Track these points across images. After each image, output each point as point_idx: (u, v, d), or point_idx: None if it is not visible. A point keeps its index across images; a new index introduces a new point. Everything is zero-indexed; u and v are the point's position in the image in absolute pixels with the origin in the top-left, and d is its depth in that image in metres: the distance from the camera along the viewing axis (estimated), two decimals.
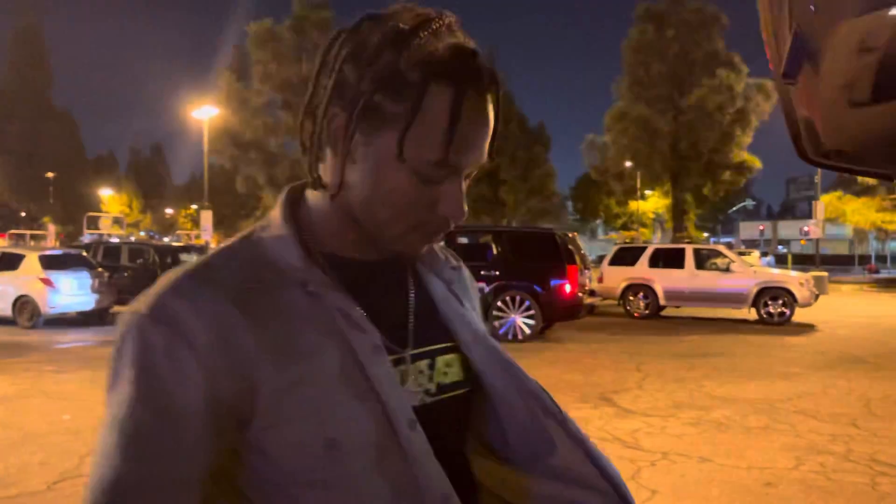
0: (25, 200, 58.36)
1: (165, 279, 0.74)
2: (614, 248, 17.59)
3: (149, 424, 0.68)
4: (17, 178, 57.38)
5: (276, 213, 0.84)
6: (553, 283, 11.57)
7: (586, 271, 12.51)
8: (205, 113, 26.23)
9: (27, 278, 13.64)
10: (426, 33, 0.74)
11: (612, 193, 44.46)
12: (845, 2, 0.78)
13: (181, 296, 0.72)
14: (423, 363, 0.83)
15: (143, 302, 0.73)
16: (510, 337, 11.57)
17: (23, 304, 13.66)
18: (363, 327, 0.77)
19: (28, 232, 44.72)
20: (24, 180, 57.24)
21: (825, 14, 0.82)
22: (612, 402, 7.09)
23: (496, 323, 11.70)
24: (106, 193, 58.05)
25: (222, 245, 0.81)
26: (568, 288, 11.50)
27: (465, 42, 0.76)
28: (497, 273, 11.88)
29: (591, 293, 12.99)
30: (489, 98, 0.77)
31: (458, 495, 0.78)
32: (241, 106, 21.63)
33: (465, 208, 0.78)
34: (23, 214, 58.49)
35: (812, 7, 0.92)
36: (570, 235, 12.95)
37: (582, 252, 13.00)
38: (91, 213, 38.40)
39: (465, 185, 0.80)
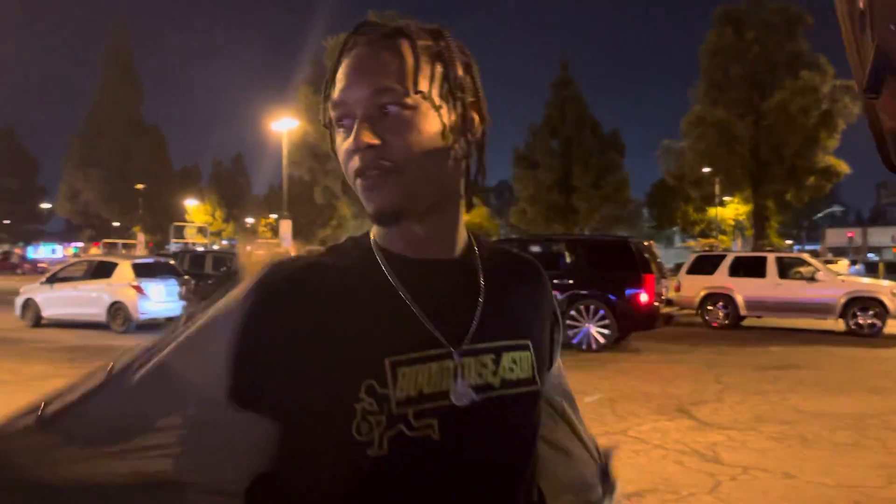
0: (117, 211, 61.44)
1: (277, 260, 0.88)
2: (692, 257, 17.12)
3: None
4: (109, 190, 60.46)
5: None
6: (628, 292, 11.36)
7: (663, 280, 12.23)
8: (284, 125, 27.04)
9: (120, 285, 14.35)
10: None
11: (690, 200, 43.22)
12: None
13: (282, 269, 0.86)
14: (488, 357, 0.86)
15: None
16: (584, 346, 11.45)
17: (116, 309, 14.35)
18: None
19: (120, 241, 47.10)
20: (116, 193, 60.26)
21: None
22: (690, 415, 6.94)
23: (570, 332, 11.59)
24: (190, 204, 60.36)
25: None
26: (644, 297, 11.28)
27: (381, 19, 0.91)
28: (571, 282, 11.77)
29: (669, 302, 12.69)
30: (384, 44, 0.83)
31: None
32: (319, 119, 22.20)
33: (366, 139, 0.80)
34: (115, 224, 61.60)
35: (892, 26, 0.94)
36: (647, 243, 12.71)
37: (658, 260, 12.73)
38: (177, 223, 40.02)
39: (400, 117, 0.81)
